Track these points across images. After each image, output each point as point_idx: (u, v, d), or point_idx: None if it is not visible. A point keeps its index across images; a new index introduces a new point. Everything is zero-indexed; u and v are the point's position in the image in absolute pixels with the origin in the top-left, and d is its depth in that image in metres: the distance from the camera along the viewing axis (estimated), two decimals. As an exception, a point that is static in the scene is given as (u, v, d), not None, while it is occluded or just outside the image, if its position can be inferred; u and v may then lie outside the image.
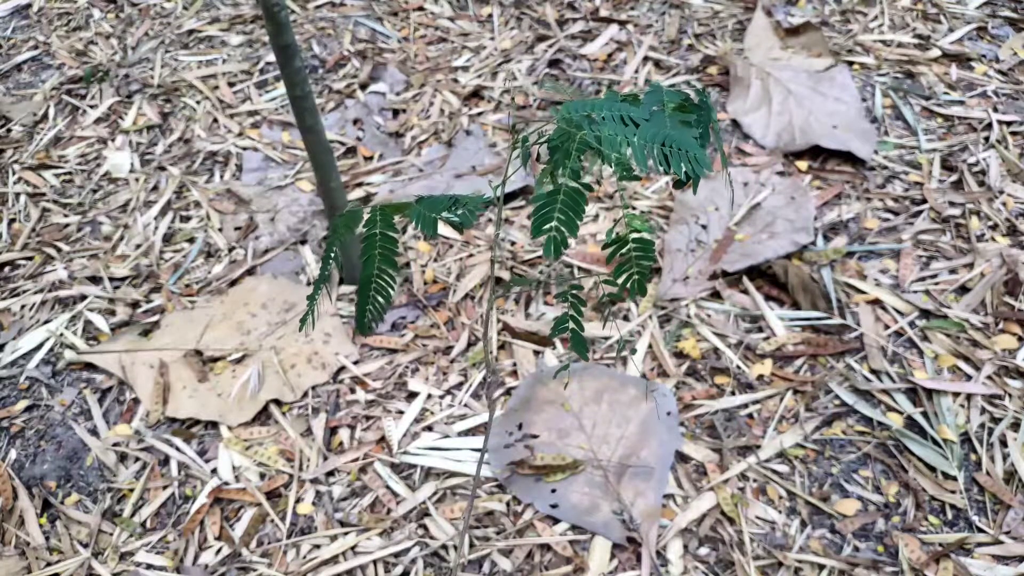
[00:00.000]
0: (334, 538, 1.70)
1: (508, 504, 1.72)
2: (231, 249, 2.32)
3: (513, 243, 2.23)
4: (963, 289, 2.03)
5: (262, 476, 1.82)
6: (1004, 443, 1.74)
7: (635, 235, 0.86)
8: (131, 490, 1.82)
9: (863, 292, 2.03)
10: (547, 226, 0.82)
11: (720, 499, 1.70)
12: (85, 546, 1.74)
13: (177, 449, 1.88)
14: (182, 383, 1.98)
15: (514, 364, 1.96)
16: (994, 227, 2.15)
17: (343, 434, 1.88)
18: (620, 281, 0.88)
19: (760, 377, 1.90)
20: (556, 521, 1.69)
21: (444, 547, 1.67)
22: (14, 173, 2.61)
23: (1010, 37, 2.71)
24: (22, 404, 2.00)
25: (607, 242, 0.86)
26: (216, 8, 3.22)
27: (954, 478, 1.70)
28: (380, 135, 2.62)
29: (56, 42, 3.12)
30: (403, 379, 1.96)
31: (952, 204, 2.22)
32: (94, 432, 1.93)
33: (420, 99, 2.72)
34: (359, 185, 2.45)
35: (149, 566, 1.70)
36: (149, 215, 2.43)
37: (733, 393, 1.88)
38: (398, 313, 2.11)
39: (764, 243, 2.13)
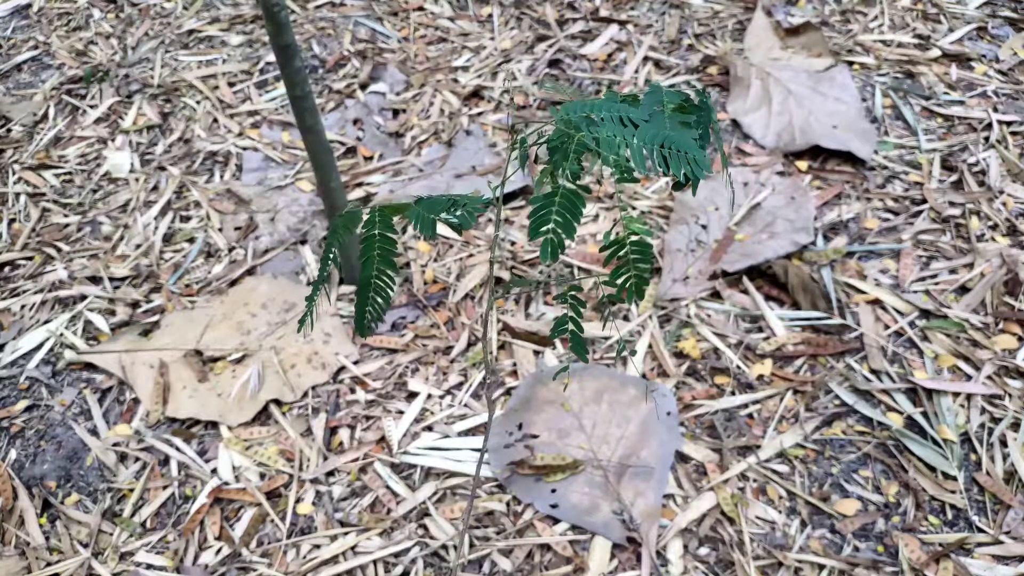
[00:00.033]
0: (334, 538, 1.70)
1: (508, 504, 1.72)
2: (231, 249, 2.32)
3: (513, 243, 2.23)
4: (963, 289, 2.03)
5: (262, 476, 1.82)
6: (1004, 443, 1.74)
7: (633, 237, 0.85)
8: (131, 490, 1.82)
9: (863, 292, 2.03)
10: (544, 228, 0.81)
11: (720, 499, 1.70)
12: (85, 546, 1.74)
13: (177, 449, 1.88)
14: (182, 383, 1.98)
15: (514, 364, 1.96)
16: (994, 227, 2.15)
17: (343, 434, 1.88)
18: (618, 284, 0.88)
19: (760, 377, 1.90)
20: (556, 521, 1.69)
21: (444, 547, 1.67)
22: (14, 173, 2.61)
23: (1010, 37, 2.71)
24: (22, 404, 2.00)
25: (605, 244, 0.86)
26: (216, 8, 3.22)
27: (954, 478, 1.70)
28: (380, 135, 2.62)
29: (56, 42, 3.12)
30: (403, 379, 1.96)
31: (952, 204, 2.22)
32: (94, 432, 1.93)
33: (420, 99, 2.72)
34: (359, 185, 2.45)
35: (149, 566, 1.70)
36: (149, 215, 2.43)
37: (733, 393, 1.88)
38: (398, 313, 2.11)
39: (764, 243, 2.13)
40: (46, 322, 2.17)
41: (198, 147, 2.63)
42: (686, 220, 2.22)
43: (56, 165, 2.62)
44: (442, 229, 2.29)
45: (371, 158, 2.54)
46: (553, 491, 1.72)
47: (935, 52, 2.67)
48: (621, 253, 0.86)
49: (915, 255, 2.11)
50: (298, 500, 1.77)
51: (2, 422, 1.97)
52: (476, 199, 0.87)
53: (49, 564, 1.71)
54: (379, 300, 0.91)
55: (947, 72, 2.61)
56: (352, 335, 2.06)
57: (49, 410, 1.99)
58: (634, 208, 2.31)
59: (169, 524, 1.77)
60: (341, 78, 2.83)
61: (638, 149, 0.78)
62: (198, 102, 2.79)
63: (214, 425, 1.92)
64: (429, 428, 1.87)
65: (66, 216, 2.46)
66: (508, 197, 2.36)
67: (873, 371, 1.88)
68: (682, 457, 1.78)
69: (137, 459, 1.87)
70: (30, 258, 2.34)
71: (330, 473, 1.81)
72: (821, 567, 1.59)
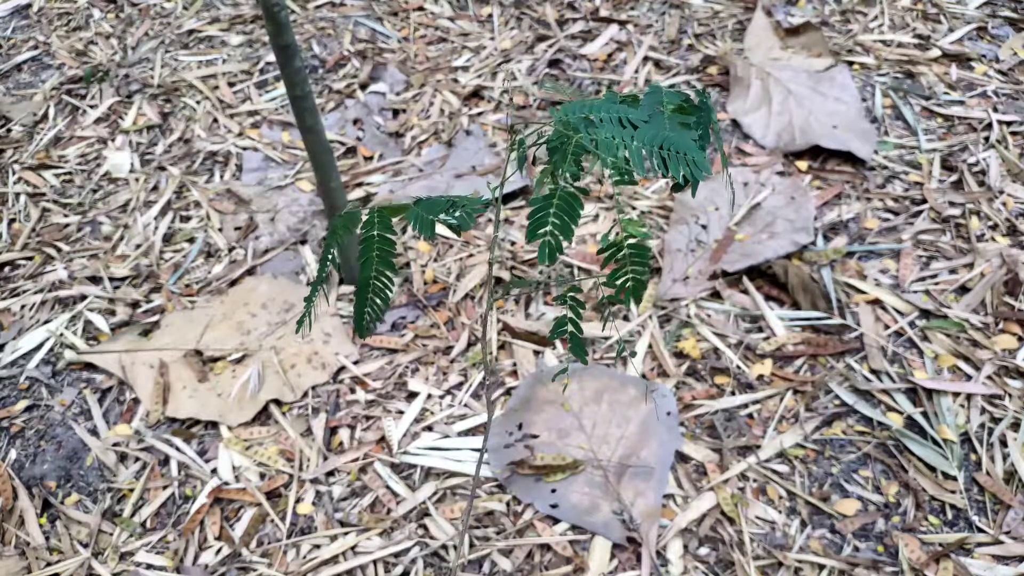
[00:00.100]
0: (334, 538, 1.70)
1: (508, 504, 1.72)
2: (231, 249, 2.32)
3: (513, 243, 2.23)
4: (963, 289, 2.03)
5: (262, 476, 1.82)
6: (1004, 443, 1.74)
7: (631, 240, 0.85)
8: (131, 490, 1.82)
9: (863, 292, 2.03)
10: (542, 231, 0.81)
11: (720, 499, 1.70)
12: (85, 546, 1.74)
13: (177, 449, 1.88)
14: (182, 383, 1.98)
15: (514, 364, 1.96)
16: (994, 227, 2.15)
17: (343, 434, 1.88)
18: (613, 290, 0.87)
19: (760, 377, 1.90)
20: (556, 521, 1.69)
21: (444, 547, 1.67)
22: (14, 173, 2.61)
23: (1010, 37, 2.71)
24: (22, 404, 2.00)
25: (603, 247, 0.86)
26: (216, 8, 3.22)
27: (954, 478, 1.70)
28: (380, 135, 2.62)
29: (56, 42, 3.12)
30: (403, 379, 1.96)
31: (952, 204, 2.22)
32: (94, 432, 1.93)
33: (420, 99, 2.72)
34: (359, 185, 2.45)
35: (149, 566, 1.70)
36: (149, 215, 2.43)
37: (733, 393, 1.88)
38: (398, 313, 2.11)
39: (764, 243, 2.13)
40: (46, 322, 2.17)
41: (198, 147, 2.63)
42: (686, 220, 2.22)
43: (56, 165, 2.62)
44: (442, 229, 2.29)
45: (371, 158, 2.54)
46: (553, 491, 1.72)
47: (935, 52, 2.67)
48: (619, 256, 0.85)
49: (915, 255, 2.11)
50: (298, 500, 1.77)
51: (2, 422, 1.97)
52: (475, 200, 0.87)
53: (49, 564, 1.71)
54: (378, 301, 0.91)
55: (947, 72, 2.61)
56: (352, 335, 2.06)
57: (49, 410, 1.99)
58: (634, 208, 2.31)
59: (169, 524, 1.77)
60: (341, 78, 2.83)
61: (637, 151, 0.77)
62: (198, 102, 2.80)
63: (214, 425, 1.92)
64: (429, 428, 1.87)
65: (66, 216, 2.46)
66: (508, 197, 2.36)
67: (873, 371, 1.88)
68: (682, 457, 1.78)
69: (137, 459, 1.87)
70: (30, 258, 2.34)
71: (330, 473, 1.81)
72: (821, 567, 1.59)
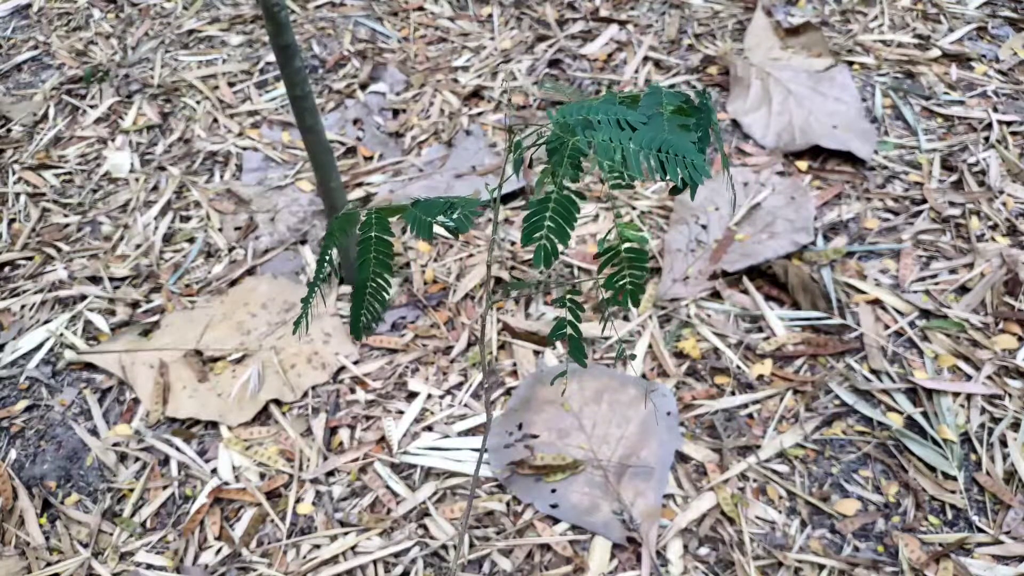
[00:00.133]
0: (334, 538, 1.70)
1: (508, 504, 1.72)
2: (231, 249, 2.32)
3: (513, 243, 2.23)
4: (963, 289, 2.03)
5: (262, 476, 1.82)
6: (1004, 443, 1.74)
7: (627, 244, 0.84)
8: (131, 490, 1.82)
9: (863, 292, 2.03)
10: (538, 234, 0.80)
11: (720, 499, 1.70)
12: (85, 546, 1.74)
13: (177, 449, 1.88)
14: (182, 383, 1.98)
15: (514, 364, 1.96)
16: (994, 227, 2.15)
17: (343, 434, 1.88)
18: (611, 293, 0.86)
19: (760, 377, 1.90)
20: (556, 521, 1.69)
21: (444, 547, 1.67)
22: (14, 173, 2.61)
23: (1010, 37, 2.71)
24: (22, 404, 2.00)
25: (599, 251, 0.85)
26: (216, 8, 3.22)
27: (954, 478, 1.70)
28: (380, 135, 2.62)
29: (56, 42, 3.12)
30: (403, 379, 1.96)
31: (952, 204, 2.22)
32: (94, 432, 1.93)
33: (420, 99, 2.72)
34: (359, 185, 2.45)
35: (149, 566, 1.70)
36: (149, 215, 2.43)
37: (733, 393, 1.88)
38: (398, 313, 2.11)
39: (764, 243, 2.13)
40: (46, 322, 2.17)
41: (198, 147, 2.63)
42: (686, 220, 2.22)
43: (56, 165, 2.62)
44: (442, 229, 2.29)
45: (371, 158, 2.54)
46: (553, 491, 1.72)
47: (935, 52, 2.67)
48: (616, 260, 0.85)
49: (915, 255, 2.11)
50: (298, 500, 1.77)
51: (2, 422, 1.97)
52: (473, 201, 0.86)
53: (49, 564, 1.71)
54: (375, 303, 0.91)
55: (947, 72, 2.61)
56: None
57: (49, 410, 1.99)
58: (633, 208, 2.31)
59: (169, 524, 1.77)
60: (341, 78, 2.83)
61: (634, 154, 0.76)
62: (198, 102, 2.79)
63: (214, 425, 1.92)
64: (429, 428, 1.87)
65: (66, 216, 2.46)
66: (508, 197, 2.36)
67: (873, 371, 1.88)
68: (682, 457, 1.78)
69: (137, 459, 1.87)
70: (30, 258, 2.34)
71: (330, 473, 1.81)
72: (821, 567, 1.59)
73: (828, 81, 2.55)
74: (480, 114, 2.64)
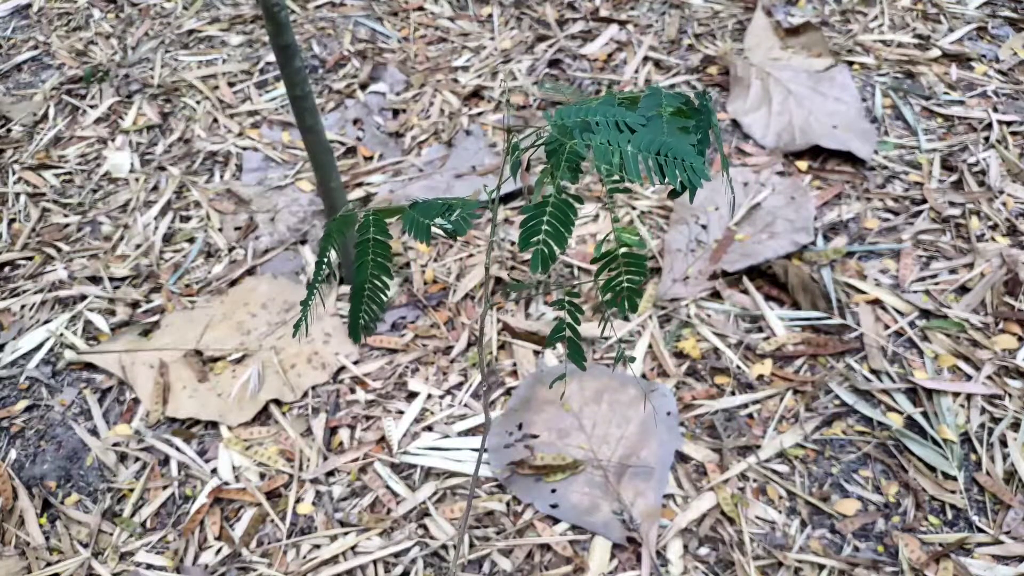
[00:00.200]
0: (334, 538, 1.70)
1: (508, 504, 1.72)
2: (231, 249, 2.32)
3: (512, 243, 2.23)
4: (963, 289, 2.03)
5: (262, 476, 1.82)
6: (1004, 443, 1.74)
7: (624, 249, 0.83)
8: (131, 490, 1.82)
9: (863, 292, 2.03)
10: (535, 239, 0.79)
11: (720, 499, 1.70)
12: (85, 546, 1.74)
13: (177, 449, 1.88)
14: (182, 383, 1.98)
15: (514, 364, 1.96)
16: (994, 227, 2.15)
17: (343, 434, 1.88)
18: (609, 297, 0.85)
19: (760, 377, 1.90)
20: (556, 521, 1.69)
21: (444, 547, 1.67)
22: (14, 173, 2.61)
23: (1010, 37, 2.71)
24: (22, 404, 2.00)
25: (596, 256, 0.84)
26: (216, 8, 3.22)
27: (954, 478, 1.70)
28: (380, 135, 2.62)
29: (56, 42, 3.12)
30: (403, 379, 1.96)
31: (952, 204, 2.22)
32: (94, 432, 1.93)
33: (420, 99, 2.72)
34: (359, 185, 2.45)
35: (149, 566, 1.70)
36: (149, 215, 2.43)
37: (733, 393, 1.88)
38: (398, 313, 2.11)
39: (764, 243, 2.13)
40: (46, 322, 2.17)
41: (198, 147, 2.63)
42: (686, 220, 2.22)
43: (56, 165, 2.62)
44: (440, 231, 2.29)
45: (371, 158, 2.54)
46: (553, 491, 1.72)
47: (935, 52, 2.67)
48: (613, 265, 0.84)
49: (915, 255, 2.11)
50: (298, 500, 1.77)
51: (2, 422, 1.97)
52: (472, 203, 0.86)
53: (49, 564, 1.71)
54: (373, 306, 0.90)
55: (947, 72, 2.61)
56: (352, 335, 2.06)
57: (49, 410, 1.99)
58: (633, 208, 2.30)
59: (169, 524, 1.77)
60: (341, 78, 2.83)
61: (633, 157, 0.74)
62: (198, 102, 2.79)
63: (214, 425, 1.92)
64: (429, 428, 1.87)
65: (66, 216, 2.46)
66: (508, 197, 2.36)
67: (873, 371, 1.88)
68: (682, 457, 1.78)
69: (137, 459, 1.87)
70: (30, 258, 2.34)
71: (330, 473, 1.81)
72: (821, 567, 1.59)
73: (828, 81, 2.55)
74: (480, 114, 2.64)
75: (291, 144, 2.63)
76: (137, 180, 2.54)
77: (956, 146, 2.37)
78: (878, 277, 2.07)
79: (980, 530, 1.63)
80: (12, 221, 2.46)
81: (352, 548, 1.69)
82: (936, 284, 2.04)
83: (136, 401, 1.98)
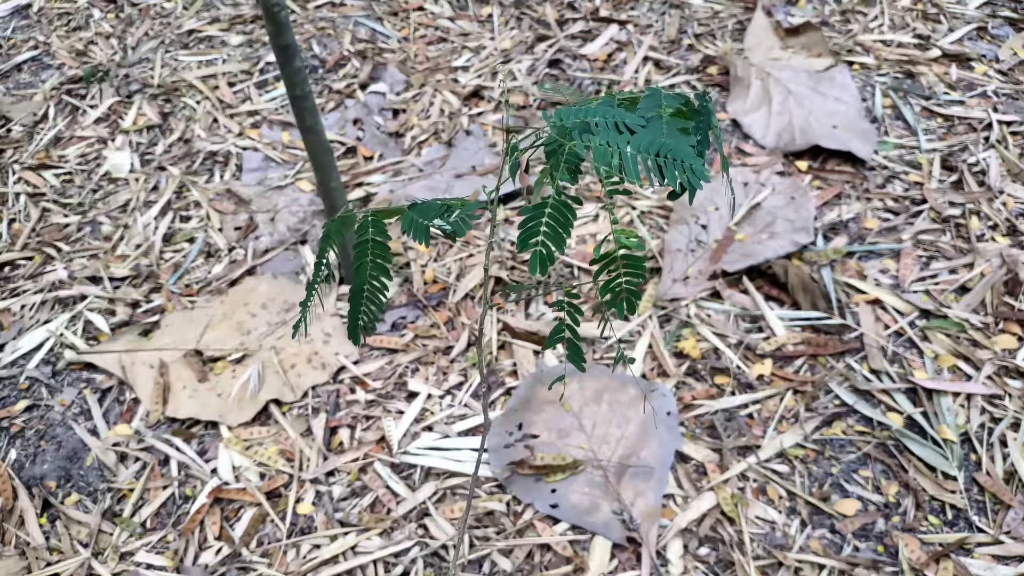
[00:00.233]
0: (334, 538, 1.71)
1: (508, 504, 1.72)
2: (231, 249, 2.32)
3: (512, 243, 2.23)
4: (963, 289, 2.03)
5: (262, 476, 1.82)
6: (1004, 443, 1.74)
7: (624, 251, 0.82)
8: (131, 490, 1.82)
9: (863, 292, 2.03)
10: (533, 240, 0.78)
11: (720, 499, 1.70)
12: (85, 546, 1.74)
13: (177, 449, 1.88)
14: (182, 383, 1.98)
15: (514, 364, 1.96)
16: (994, 227, 2.15)
17: (343, 434, 1.88)
18: (608, 299, 0.85)
19: (760, 377, 1.90)
20: (556, 521, 1.69)
21: (444, 547, 1.67)
22: (14, 173, 2.61)
23: (1010, 37, 2.71)
24: (22, 404, 2.00)
25: (595, 258, 0.84)
26: (216, 8, 3.22)
27: (954, 478, 1.70)
28: (380, 135, 2.62)
29: (56, 42, 3.12)
30: (403, 379, 1.96)
31: (952, 204, 2.22)
32: (94, 432, 1.93)
33: (420, 99, 2.72)
34: (359, 185, 2.45)
35: (149, 566, 1.70)
36: (149, 215, 2.43)
37: (733, 393, 1.88)
38: (398, 313, 2.11)
39: (764, 243, 2.13)
40: (46, 322, 2.17)
41: (198, 147, 2.63)
42: (686, 220, 2.22)
43: (56, 165, 2.62)
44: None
45: (371, 158, 2.54)
46: (553, 491, 1.72)
47: (935, 52, 2.67)
48: (612, 267, 0.83)
49: (915, 255, 2.11)
50: (298, 500, 1.77)
51: (2, 422, 1.97)
52: (471, 204, 0.85)
53: (49, 564, 1.71)
54: (372, 307, 0.90)
55: (947, 72, 2.61)
56: (352, 335, 2.06)
57: (49, 410, 1.99)
58: (633, 208, 2.30)
59: (169, 524, 1.77)
60: (341, 78, 2.83)
61: (632, 158, 0.74)
62: (198, 102, 2.79)
63: (214, 425, 1.92)
64: (429, 428, 1.87)
65: (66, 216, 2.46)
66: (508, 197, 2.36)
67: (873, 371, 1.88)
68: (682, 457, 1.78)
69: (137, 459, 1.87)
70: (30, 258, 2.34)
71: (330, 473, 1.81)
72: (821, 567, 1.59)
73: (828, 81, 2.55)
74: (480, 114, 2.64)
75: (291, 144, 2.63)
76: (137, 180, 2.54)
77: (956, 146, 2.37)
78: (878, 277, 2.07)
79: (980, 530, 1.63)
80: (12, 221, 2.46)
81: (352, 548, 1.69)
82: (936, 284, 2.04)
83: (136, 401, 1.98)
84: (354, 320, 0.90)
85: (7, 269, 2.33)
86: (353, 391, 1.95)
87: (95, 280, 2.26)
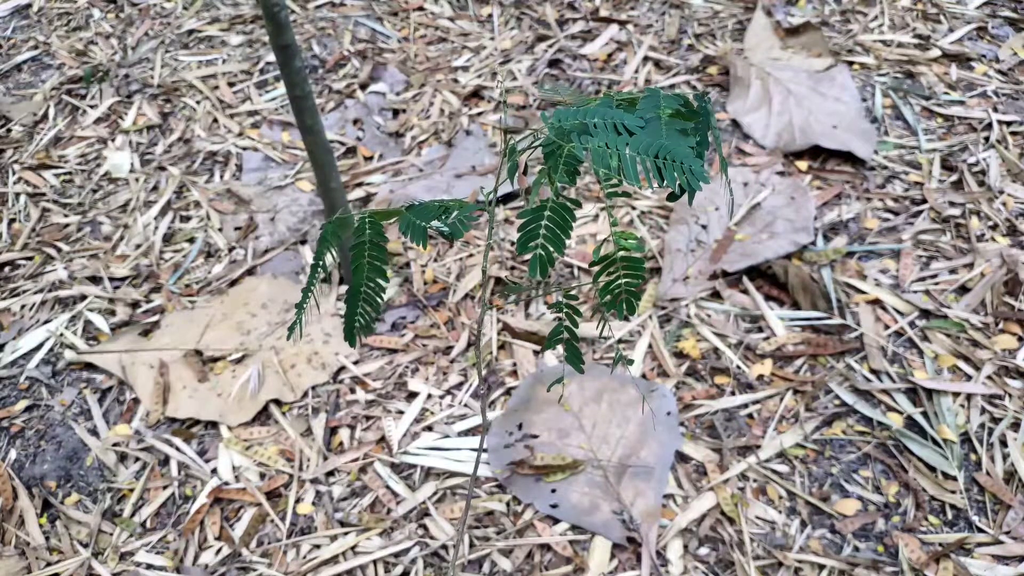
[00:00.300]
0: (334, 538, 1.71)
1: (508, 504, 1.72)
2: (231, 249, 2.32)
3: (512, 243, 2.23)
4: (963, 289, 2.03)
5: (262, 476, 1.82)
6: (1004, 443, 1.74)
7: (623, 253, 0.82)
8: (131, 490, 1.82)
9: (863, 292, 2.03)
10: (533, 243, 0.78)
11: (720, 499, 1.70)
12: (85, 546, 1.74)
13: (177, 449, 1.88)
14: (182, 383, 1.98)
15: (514, 364, 1.96)
16: (994, 227, 2.15)
17: (343, 434, 1.88)
18: (607, 300, 0.85)
19: (760, 377, 1.90)
20: (556, 521, 1.69)
21: (444, 547, 1.67)
22: (14, 173, 2.61)
23: (1010, 37, 2.71)
24: (22, 404, 2.00)
25: (594, 260, 0.83)
26: (216, 8, 3.22)
27: (954, 478, 1.70)
28: (380, 135, 2.62)
29: (56, 42, 3.12)
30: (403, 379, 1.96)
31: (952, 204, 2.22)
32: (94, 432, 1.93)
33: (420, 99, 2.72)
34: (359, 185, 2.45)
35: (149, 566, 1.70)
36: (149, 215, 2.43)
37: (733, 393, 1.88)
38: (398, 313, 2.11)
39: (764, 243, 2.13)
40: (46, 322, 2.17)
41: (198, 147, 2.63)
42: (686, 220, 2.22)
43: (56, 165, 2.62)
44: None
45: (371, 158, 2.54)
46: (553, 491, 1.72)
47: (935, 52, 2.67)
48: (611, 268, 0.83)
49: (915, 255, 2.11)
50: (298, 500, 1.77)
51: (2, 422, 1.97)
52: (469, 206, 0.85)
53: (49, 564, 1.71)
54: (368, 309, 0.89)
55: (947, 72, 2.61)
56: (352, 335, 2.06)
57: (49, 410, 1.99)
58: (633, 208, 2.30)
59: (169, 524, 1.77)
60: (341, 78, 2.83)
61: (630, 159, 0.73)
62: (198, 102, 2.79)
63: (214, 425, 1.92)
64: (429, 428, 1.87)
65: (66, 216, 2.46)
66: (507, 197, 2.36)
67: (873, 371, 1.88)
68: (682, 457, 1.78)
69: (137, 459, 1.88)
70: (30, 258, 2.34)
71: (330, 473, 1.81)
72: (821, 567, 1.59)
73: (828, 81, 2.55)
74: (480, 114, 2.64)
75: (291, 144, 2.63)
76: (137, 180, 2.54)
77: (956, 146, 2.37)
78: (878, 277, 2.07)
79: (980, 530, 1.63)
80: (12, 221, 2.46)
81: (352, 548, 1.69)
82: (936, 284, 2.04)
83: (136, 401, 1.98)
84: (350, 322, 0.90)
85: (7, 269, 2.33)
86: (353, 391, 1.95)
87: (95, 280, 2.26)
